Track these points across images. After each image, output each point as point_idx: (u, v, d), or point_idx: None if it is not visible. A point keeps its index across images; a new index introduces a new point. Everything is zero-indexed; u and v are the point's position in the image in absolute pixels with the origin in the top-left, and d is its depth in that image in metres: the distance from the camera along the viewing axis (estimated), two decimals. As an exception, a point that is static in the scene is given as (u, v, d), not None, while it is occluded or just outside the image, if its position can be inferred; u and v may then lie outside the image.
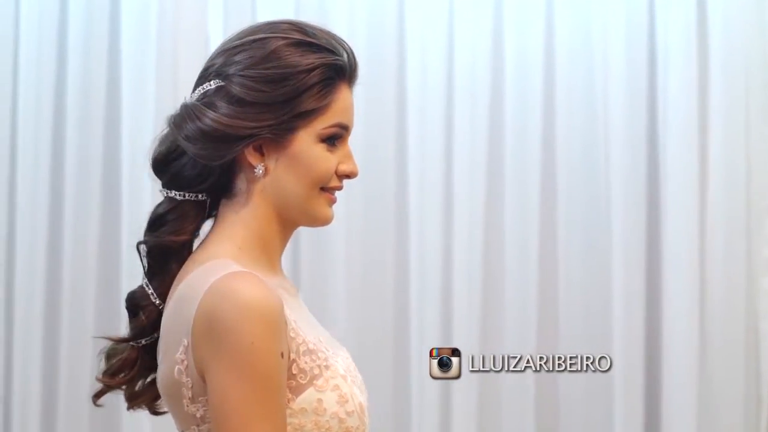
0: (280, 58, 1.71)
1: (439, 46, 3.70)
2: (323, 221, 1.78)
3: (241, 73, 1.71)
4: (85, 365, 3.60)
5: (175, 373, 1.64)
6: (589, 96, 3.71)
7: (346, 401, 1.69)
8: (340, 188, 1.79)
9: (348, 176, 1.78)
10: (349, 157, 1.78)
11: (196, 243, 1.78)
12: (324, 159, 1.74)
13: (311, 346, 1.68)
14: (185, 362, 1.63)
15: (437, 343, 3.66)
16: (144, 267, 1.76)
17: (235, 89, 1.70)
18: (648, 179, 3.70)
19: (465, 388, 3.65)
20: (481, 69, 3.70)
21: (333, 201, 1.79)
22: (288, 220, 1.76)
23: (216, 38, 3.64)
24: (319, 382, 1.67)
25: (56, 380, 3.62)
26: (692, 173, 3.67)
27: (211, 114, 1.69)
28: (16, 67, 3.64)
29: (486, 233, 3.69)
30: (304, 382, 1.66)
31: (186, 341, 1.63)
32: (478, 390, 3.66)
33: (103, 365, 1.78)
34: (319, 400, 1.66)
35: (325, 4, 3.68)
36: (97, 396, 1.80)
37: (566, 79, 3.71)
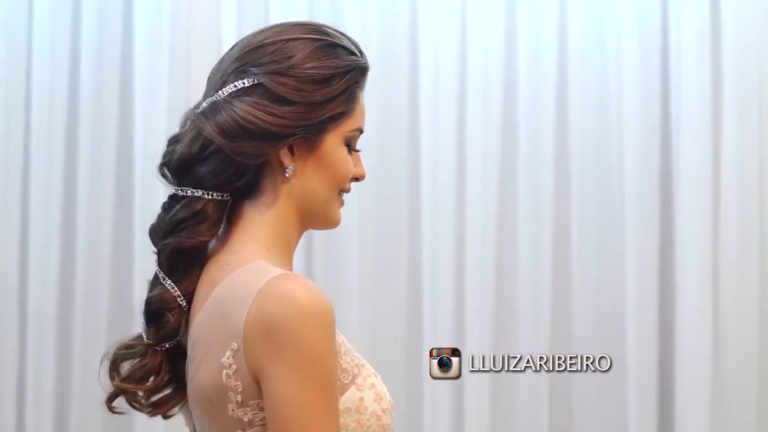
0: (320, 59, 1.72)
1: (452, 46, 3.69)
2: (336, 224, 1.79)
3: (282, 72, 1.70)
4: (98, 367, 3.60)
5: (223, 378, 1.62)
6: (602, 95, 3.71)
7: (381, 398, 1.70)
8: (349, 191, 1.79)
9: (358, 179, 1.80)
10: (360, 160, 1.79)
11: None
12: (347, 161, 1.75)
13: (348, 346, 1.70)
14: (234, 366, 1.62)
15: (450, 343, 3.66)
16: (164, 269, 1.74)
17: (276, 88, 1.69)
18: (661, 178, 3.70)
19: (477, 387, 3.65)
20: (493, 69, 3.70)
21: (342, 204, 1.80)
22: (305, 222, 1.76)
23: (229, 38, 3.64)
24: (359, 380, 1.69)
25: (69, 382, 3.63)
26: (705, 172, 3.67)
27: (253, 111, 1.68)
28: (30, 67, 3.65)
29: (499, 233, 3.69)
30: (346, 381, 1.67)
31: (236, 345, 1.61)
32: (490, 390, 3.66)
33: (109, 370, 1.77)
34: (361, 399, 1.68)
35: (338, 4, 3.68)
36: (111, 400, 1.79)
37: (579, 78, 3.70)
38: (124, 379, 1.75)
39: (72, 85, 3.66)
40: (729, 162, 3.68)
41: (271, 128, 1.68)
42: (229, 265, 1.69)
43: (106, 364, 1.78)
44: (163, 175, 1.76)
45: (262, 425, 1.63)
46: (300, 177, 1.73)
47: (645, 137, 3.68)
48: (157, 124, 3.63)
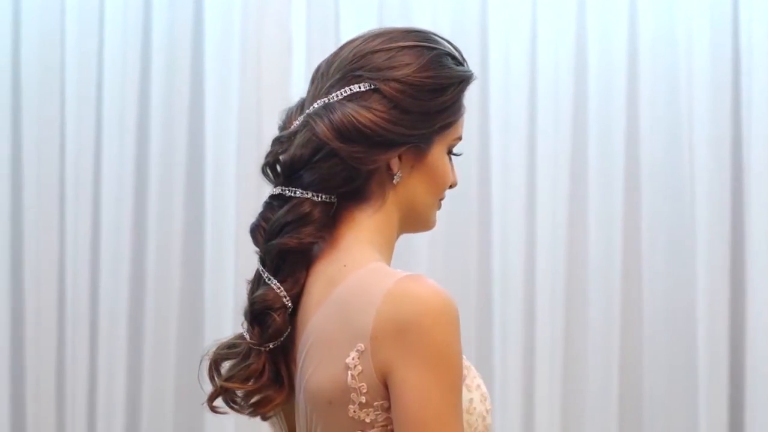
0: (436, 68, 1.72)
1: (522, 44, 3.69)
2: (432, 227, 1.82)
3: (400, 79, 1.69)
4: (169, 367, 3.63)
5: (348, 379, 1.62)
6: (672, 95, 3.68)
7: (485, 399, 1.71)
8: (444, 197, 1.81)
9: (451, 186, 1.80)
10: (453, 167, 1.80)
11: None
12: (449, 170, 1.76)
13: None
14: (359, 367, 1.61)
15: (521, 344, 3.66)
16: (269, 270, 1.71)
17: (395, 95, 1.69)
18: (732, 177, 3.67)
19: (547, 389, 3.64)
20: (564, 68, 3.69)
21: (440, 208, 1.81)
22: (406, 227, 1.78)
23: (299, 39, 3.66)
24: (468, 381, 1.69)
25: (140, 382, 3.66)
26: (777, 170, 3.64)
27: (371, 116, 1.68)
28: (101, 69, 3.67)
29: (569, 233, 3.68)
30: None
31: (362, 346, 1.61)
32: (560, 391, 3.65)
33: (209, 369, 1.75)
34: (470, 400, 1.69)
35: (408, 4, 3.68)
36: (212, 399, 1.76)
37: (650, 77, 3.68)
38: (228, 379, 1.73)
39: (143, 87, 3.68)
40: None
41: (388, 135, 1.69)
42: (346, 267, 1.69)
43: (206, 364, 1.75)
44: (266, 175, 1.76)
45: (383, 426, 1.62)
46: (405, 183, 1.73)
47: (716, 135, 3.65)
48: (228, 125, 3.64)
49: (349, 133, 1.68)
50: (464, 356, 1.69)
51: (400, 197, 1.74)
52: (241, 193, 3.62)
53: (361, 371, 1.61)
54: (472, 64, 1.84)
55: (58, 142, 3.67)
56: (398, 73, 1.70)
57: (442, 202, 1.80)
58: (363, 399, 1.62)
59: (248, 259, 1.77)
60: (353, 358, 1.62)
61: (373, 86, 1.70)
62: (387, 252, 1.75)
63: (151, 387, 3.64)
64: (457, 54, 1.76)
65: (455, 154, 1.78)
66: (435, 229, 3.44)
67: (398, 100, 1.69)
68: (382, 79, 1.70)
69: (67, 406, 3.64)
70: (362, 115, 1.68)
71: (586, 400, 3.67)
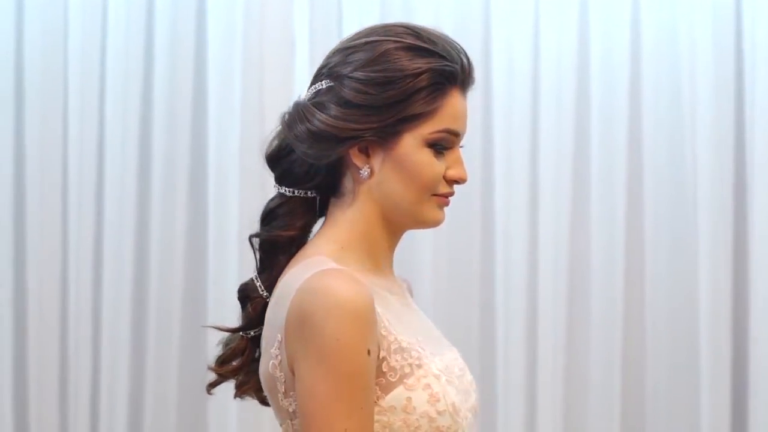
0: (388, 61, 1.71)
1: (525, 43, 3.68)
2: (432, 224, 1.79)
3: (350, 74, 1.72)
4: (172, 365, 3.63)
5: (270, 368, 1.67)
6: (675, 94, 3.68)
7: (438, 400, 1.69)
8: (451, 194, 1.78)
9: (456, 182, 1.78)
10: (458, 162, 1.77)
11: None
12: (429, 164, 1.73)
13: (404, 345, 1.69)
14: (279, 357, 1.66)
15: (523, 343, 3.65)
16: (256, 260, 1.79)
17: (343, 90, 1.71)
18: (735, 175, 3.67)
19: (550, 386, 3.64)
20: (567, 67, 3.68)
21: (445, 204, 1.79)
22: (394, 222, 1.78)
23: (302, 39, 3.65)
24: (410, 380, 1.68)
25: (143, 380, 3.65)
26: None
27: (319, 114, 1.71)
28: (103, 69, 3.67)
29: (572, 234, 3.67)
30: (393, 380, 1.67)
31: (280, 337, 1.65)
32: (563, 388, 3.65)
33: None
34: (409, 399, 1.67)
35: (410, 3, 3.68)
36: (212, 386, 1.84)
37: (652, 76, 3.68)
38: (215, 362, 1.81)
39: (146, 87, 3.68)
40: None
41: (333, 131, 1.71)
42: (296, 261, 1.73)
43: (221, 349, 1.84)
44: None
45: None
46: (378, 178, 1.74)
47: (718, 133, 3.65)
48: (231, 125, 3.64)
49: (301, 131, 1.72)
50: (416, 354, 1.69)
51: (375, 192, 1.75)
52: (243, 192, 3.62)
53: (280, 361, 1.66)
54: (475, 62, 1.83)
55: (61, 142, 3.66)
56: (347, 69, 1.72)
57: (450, 198, 1.79)
58: (283, 389, 1.67)
59: (251, 258, 1.79)
60: (275, 348, 1.66)
61: (329, 84, 1.74)
62: (362, 249, 1.76)
63: (154, 385, 3.64)
64: (433, 47, 1.74)
65: (442, 147, 1.74)
66: (437, 232, 3.44)
67: (348, 96, 1.71)
68: (335, 76, 1.73)
69: (69, 404, 3.64)
70: (311, 112, 1.72)
71: (589, 398, 3.67)
